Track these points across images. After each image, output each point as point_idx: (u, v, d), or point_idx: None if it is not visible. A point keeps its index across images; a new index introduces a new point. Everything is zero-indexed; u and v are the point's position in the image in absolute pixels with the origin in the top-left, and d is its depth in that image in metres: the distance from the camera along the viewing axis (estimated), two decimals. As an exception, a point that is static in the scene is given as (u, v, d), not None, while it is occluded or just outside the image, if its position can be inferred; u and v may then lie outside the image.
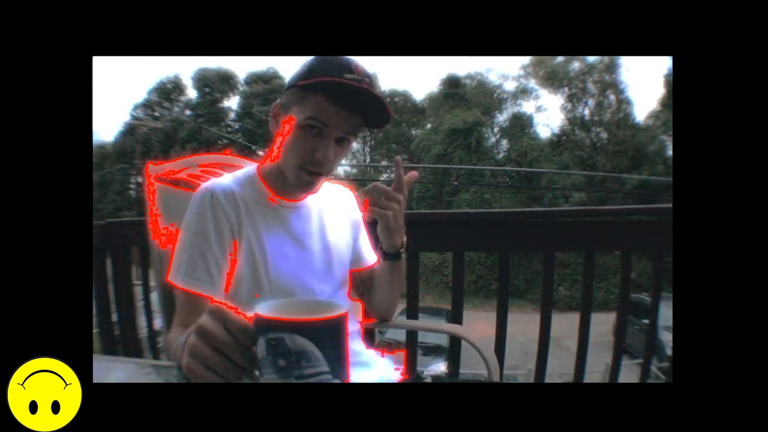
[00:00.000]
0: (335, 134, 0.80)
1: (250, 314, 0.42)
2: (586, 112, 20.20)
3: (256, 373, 0.42)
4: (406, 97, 22.86)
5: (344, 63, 0.78)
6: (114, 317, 1.87)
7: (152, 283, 1.16)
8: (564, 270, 14.23)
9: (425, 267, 15.73)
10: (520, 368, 7.26)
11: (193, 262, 0.78)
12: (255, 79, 21.20)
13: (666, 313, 1.36)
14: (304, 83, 0.79)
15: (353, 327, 0.93)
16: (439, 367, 6.81)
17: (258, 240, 0.83)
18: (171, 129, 20.62)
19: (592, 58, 19.18)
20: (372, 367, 0.90)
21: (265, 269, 0.82)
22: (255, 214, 0.84)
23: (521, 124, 19.85)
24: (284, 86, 0.87)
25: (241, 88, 21.60)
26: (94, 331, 1.77)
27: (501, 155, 19.65)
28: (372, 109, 0.81)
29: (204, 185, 0.84)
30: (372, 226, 0.90)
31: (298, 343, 0.39)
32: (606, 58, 18.87)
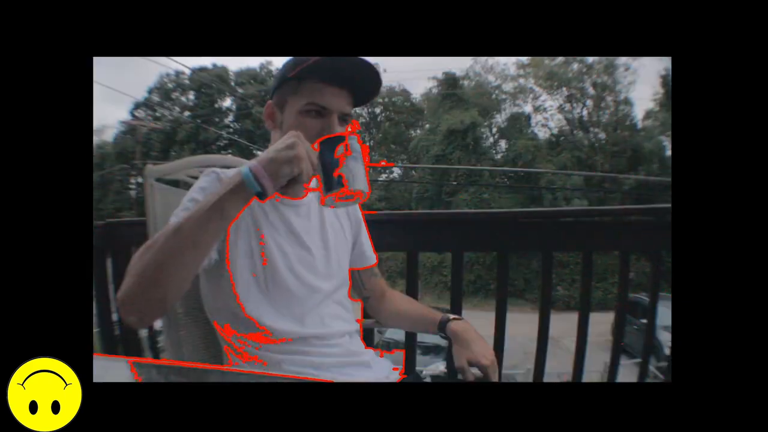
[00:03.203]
0: (335, 113, 0.82)
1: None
2: (585, 112, 20.20)
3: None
4: (404, 98, 22.86)
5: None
6: (114, 317, 1.87)
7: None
8: (562, 270, 14.23)
9: (424, 267, 15.70)
10: (518, 368, 7.26)
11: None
12: (250, 79, 21.18)
13: (664, 313, 1.37)
14: (294, 74, 0.81)
15: (353, 327, 0.93)
16: (438, 367, 6.79)
17: (257, 237, 0.83)
18: (171, 129, 20.58)
19: (591, 59, 19.16)
20: (371, 367, 0.90)
21: (264, 267, 0.82)
22: (255, 212, 0.84)
23: (519, 124, 19.85)
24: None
25: (239, 89, 21.58)
26: (94, 331, 1.77)
27: (499, 156, 19.64)
28: (362, 81, 0.83)
29: (211, 169, 0.85)
30: (371, 224, 0.89)
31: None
32: (605, 59, 18.85)
